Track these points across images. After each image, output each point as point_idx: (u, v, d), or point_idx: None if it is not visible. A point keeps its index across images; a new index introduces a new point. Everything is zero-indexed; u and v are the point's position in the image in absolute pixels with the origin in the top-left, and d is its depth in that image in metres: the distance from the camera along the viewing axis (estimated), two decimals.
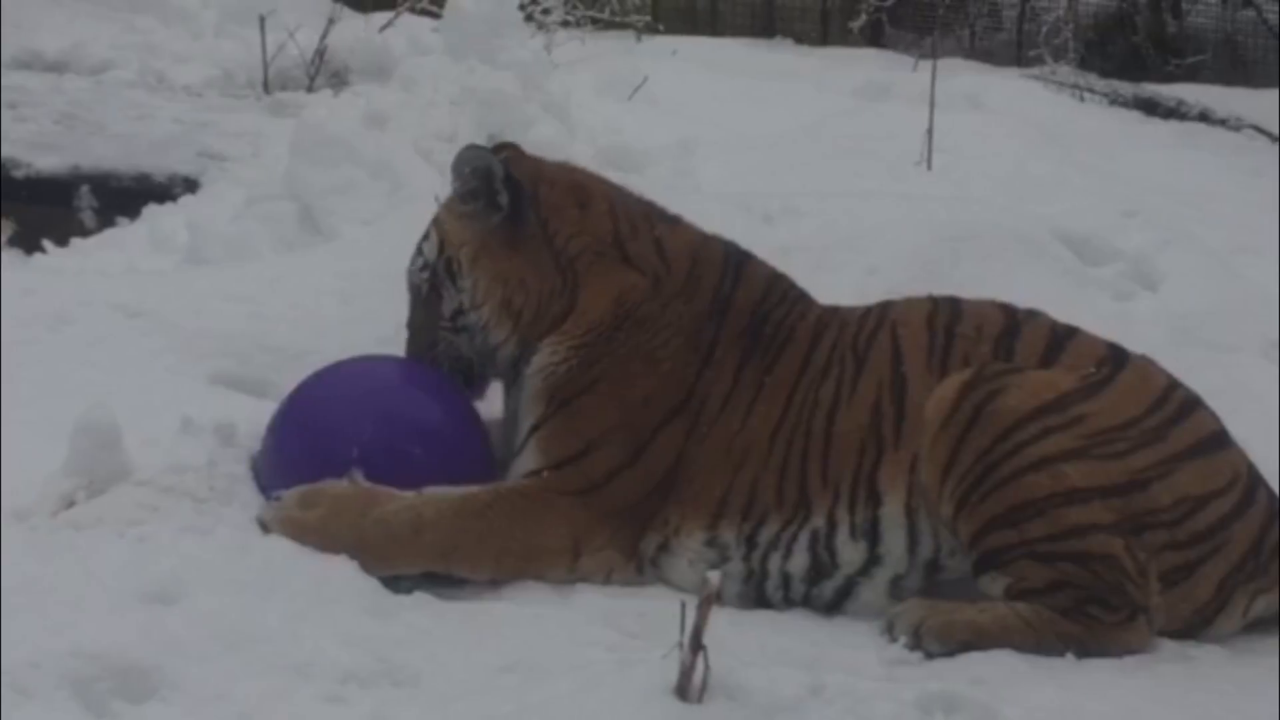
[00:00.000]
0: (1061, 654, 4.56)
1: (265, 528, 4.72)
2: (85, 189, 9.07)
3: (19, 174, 9.11)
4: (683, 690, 3.96)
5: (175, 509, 4.70)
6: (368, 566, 4.62)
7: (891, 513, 4.85)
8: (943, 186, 8.26)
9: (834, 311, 5.21)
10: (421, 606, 4.57)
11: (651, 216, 5.27)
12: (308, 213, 7.67)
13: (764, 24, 16.64)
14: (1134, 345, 5.12)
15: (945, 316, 5.05)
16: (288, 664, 4.10)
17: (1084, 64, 14.54)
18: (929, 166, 8.66)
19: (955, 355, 4.95)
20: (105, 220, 8.89)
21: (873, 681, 4.29)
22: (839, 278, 6.26)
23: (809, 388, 5.02)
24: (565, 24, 13.36)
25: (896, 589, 4.85)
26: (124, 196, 9.02)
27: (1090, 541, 4.63)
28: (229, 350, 5.79)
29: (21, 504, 4.68)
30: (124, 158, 9.32)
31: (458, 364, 5.13)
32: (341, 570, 4.57)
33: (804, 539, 4.91)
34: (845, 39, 16.13)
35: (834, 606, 4.90)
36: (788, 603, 4.93)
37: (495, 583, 4.83)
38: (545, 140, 8.06)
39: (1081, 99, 12.70)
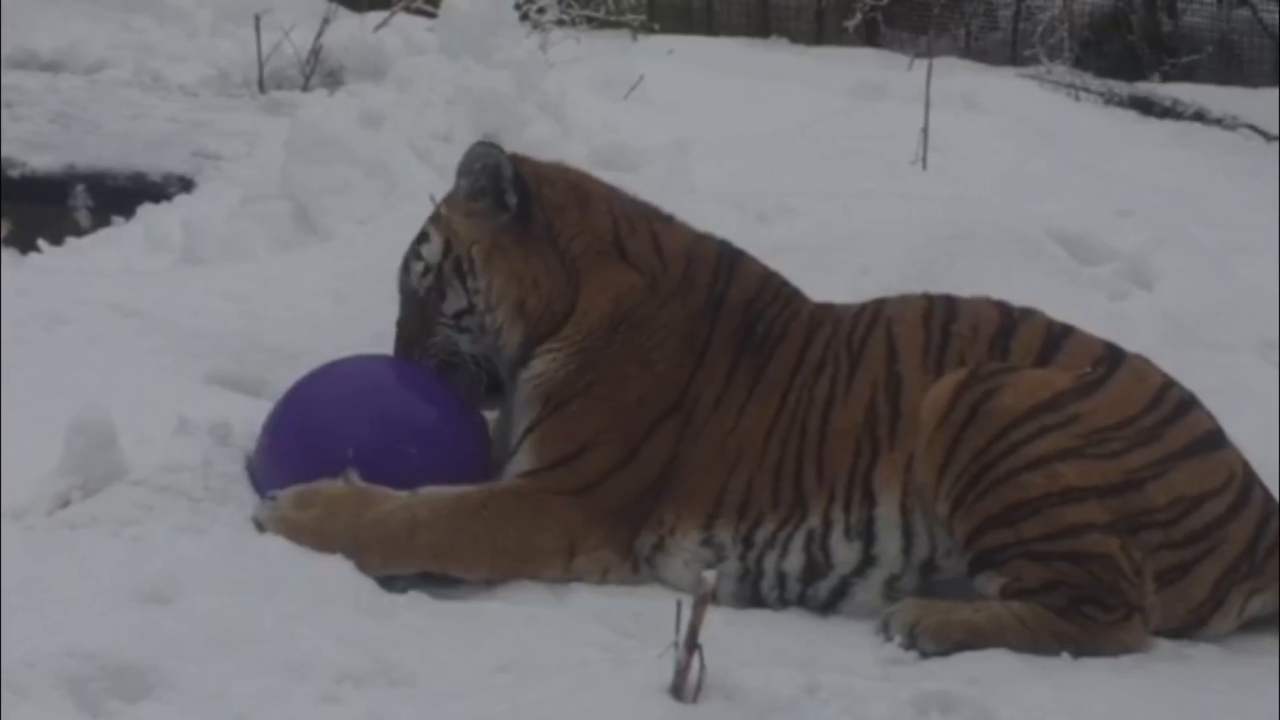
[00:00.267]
0: (1057, 653, 4.57)
1: (261, 527, 4.71)
2: (80, 188, 9.06)
3: (14, 173, 9.08)
4: (678, 690, 3.96)
5: (170, 508, 4.70)
6: (363, 566, 4.62)
7: (887, 513, 4.85)
8: (938, 186, 8.26)
9: (828, 309, 5.21)
10: (417, 606, 4.57)
11: (648, 215, 5.27)
12: (303, 212, 7.66)
13: (759, 23, 16.63)
14: (1129, 344, 5.12)
15: (941, 315, 5.05)
16: (283, 663, 4.09)
17: (1079, 63, 14.53)
18: (924, 166, 8.67)
19: (951, 354, 4.95)
20: (100, 219, 8.87)
21: (868, 681, 4.30)
22: (834, 277, 6.25)
23: (803, 386, 5.02)
24: (560, 23, 13.34)
25: (892, 589, 4.85)
26: (119, 196, 9.00)
27: (1086, 541, 4.63)
28: (224, 350, 5.79)
29: (17, 503, 4.68)
30: (119, 157, 9.31)
31: (456, 363, 5.08)
32: (337, 570, 4.56)
33: (799, 539, 4.91)
34: (840, 38, 16.12)
35: (829, 607, 4.90)
36: (783, 603, 4.93)
37: (490, 582, 4.84)
38: (540, 139, 8.07)
39: (1077, 98, 12.70)
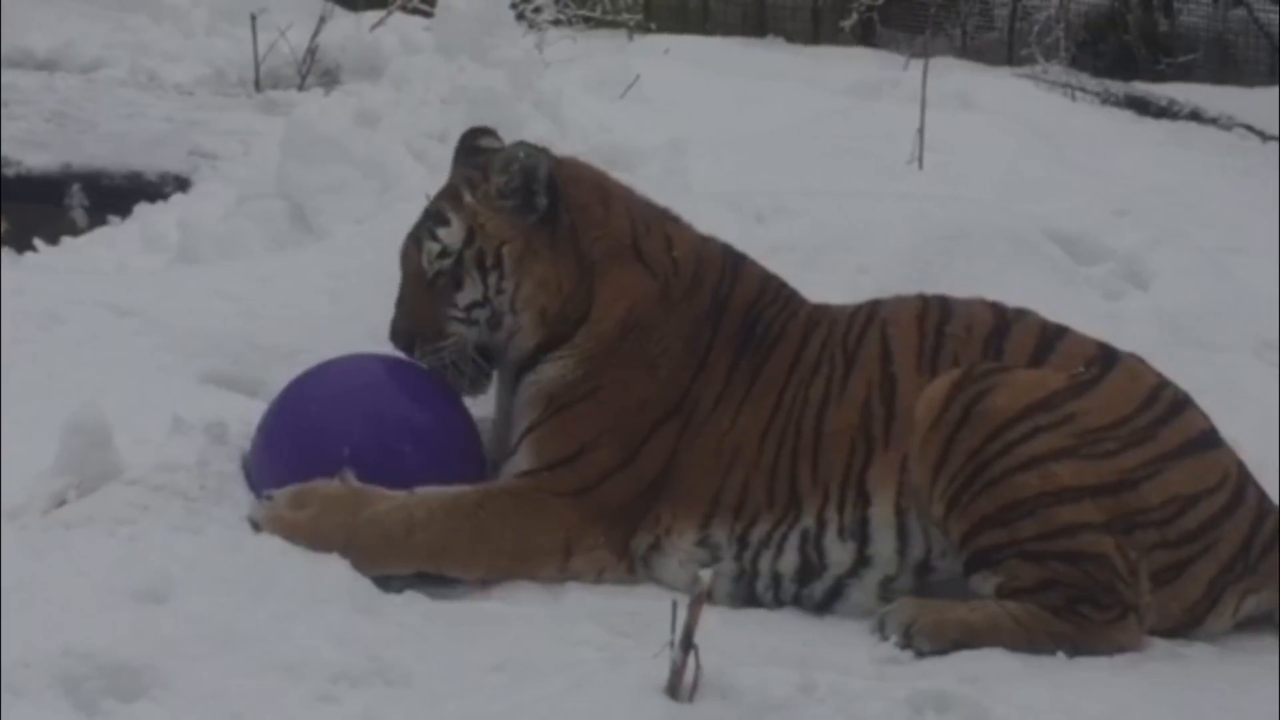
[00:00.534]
0: (1052, 653, 4.57)
1: (256, 527, 4.71)
2: (76, 187, 9.07)
3: (10, 172, 9.09)
4: (674, 689, 3.96)
5: (166, 508, 4.70)
6: (359, 566, 4.61)
7: (881, 513, 4.85)
8: (934, 185, 8.25)
9: (824, 310, 5.21)
10: (412, 606, 4.57)
11: (660, 216, 5.25)
12: (299, 211, 7.66)
13: (755, 23, 16.64)
14: (1125, 344, 5.13)
15: (935, 315, 5.05)
16: (279, 663, 4.09)
17: (1075, 63, 14.53)
18: (920, 166, 8.66)
19: (945, 354, 4.95)
20: (96, 219, 8.88)
21: (864, 680, 4.30)
22: (830, 277, 6.25)
23: (799, 386, 5.02)
24: (557, 22, 13.34)
25: (887, 590, 4.85)
26: (115, 195, 9.01)
27: (1081, 540, 4.64)
28: (220, 349, 5.78)
29: (12, 503, 4.67)
30: (115, 156, 9.32)
31: (460, 356, 5.02)
32: (332, 569, 4.56)
33: (794, 539, 4.91)
34: (837, 38, 16.12)
35: (824, 607, 4.90)
36: (778, 602, 4.94)
37: (486, 582, 4.84)
38: (537, 139, 8.04)
39: (1073, 98, 12.70)
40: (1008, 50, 15.92)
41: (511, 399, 5.13)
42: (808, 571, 4.91)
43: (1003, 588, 4.67)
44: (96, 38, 11.64)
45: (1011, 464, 4.67)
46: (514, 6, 10.48)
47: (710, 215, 5.72)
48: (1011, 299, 5.20)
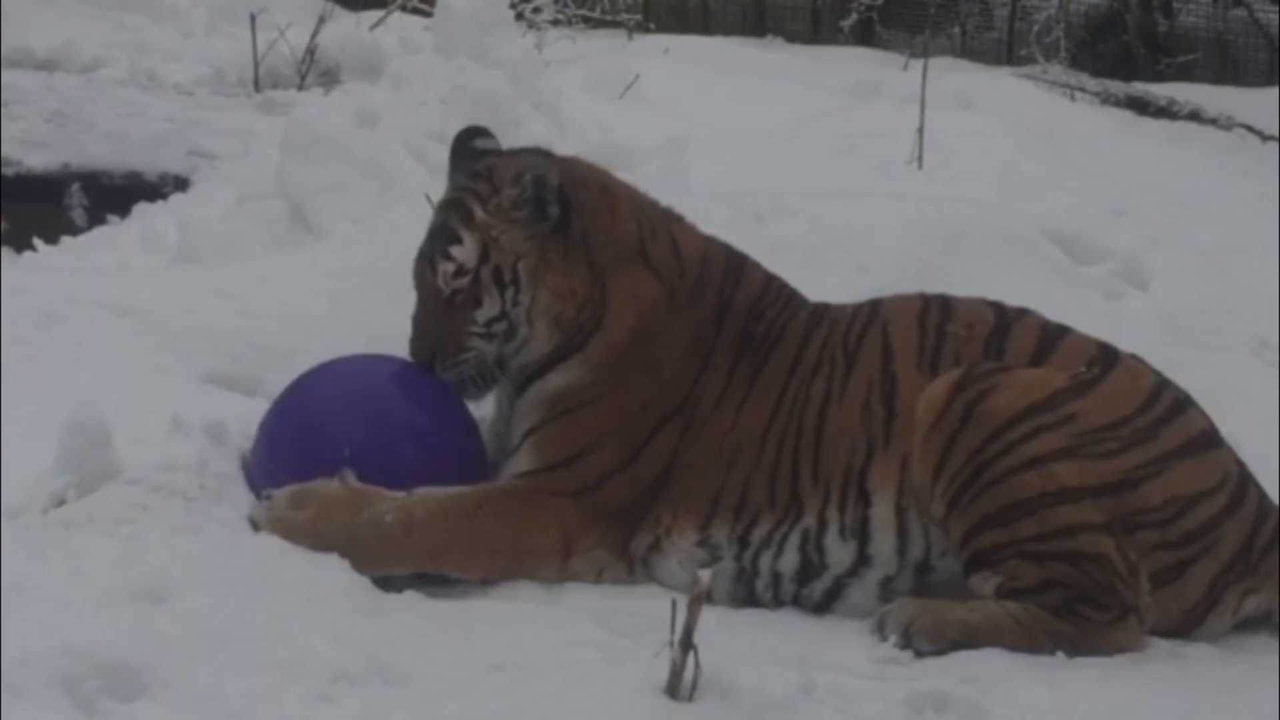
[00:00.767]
0: (1052, 653, 4.57)
1: (256, 527, 4.71)
2: (76, 187, 9.07)
3: (9, 172, 9.09)
4: (673, 689, 3.96)
5: (166, 508, 4.69)
6: (359, 567, 4.61)
7: (881, 513, 4.85)
8: (933, 185, 8.24)
9: (825, 309, 5.21)
10: (412, 605, 4.57)
11: (665, 217, 5.24)
12: (298, 211, 7.65)
13: (755, 23, 16.62)
14: (1124, 344, 5.12)
15: (936, 315, 5.05)
16: (278, 662, 4.09)
17: (1075, 63, 14.51)
18: (920, 165, 8.65)
19: (946, 354, 4.95)
20: (96, 218, 8.88)
21: (863, 680, 4.30)
22: (829, 276, 6.25)
23: (800, 385, 5.02)
24: (556, 22, 13.35)
25: (886, 590, 4.85)
26: (115, 195, 9.01)
27: (1081, 541, 4.63)
28: (219, 349, 5.78)
29: (12, 503, 4.67)
30: (115, 156, 9.32)
31: (481, 370, 5.00)
32: (331, 569, 4.56)
33: (795, 538, 4.91)
34: (836, 38, 16.10)
35: (824, 607, 4.90)
36: (778, 602, 4.94)
37: (486, 582, 4.84)
38: (536, 139, 8.04)
39: (1072, 98, 12.68)
40: (1007, 50, 15.90)
41: (512, 401, 5.12)
42: (808, 571, 4.91)
43: (1003, 588, 4.67)
44: (96, 37, 11.63)
45: (1012, 464, 4.67)
46: (513, 6, 10.47)
47: (710, 215, 5.71)
48: (1011, 299, 5.19)
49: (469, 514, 4.82)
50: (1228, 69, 15.36)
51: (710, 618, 4.05)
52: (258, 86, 11.24)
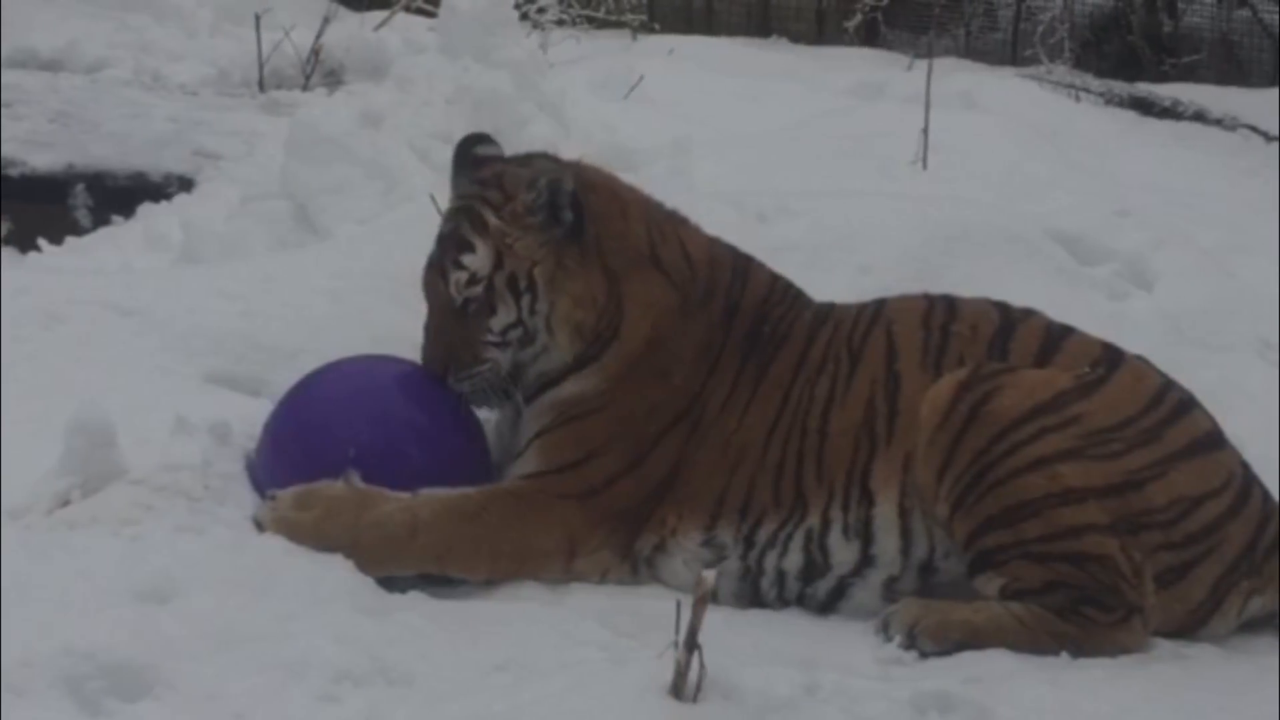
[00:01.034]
0: (1056, 654, 4.57)
1: (260, 527, 4.71)
2: (80, 187, 9.06)
3: (14, 172, 9.08)
4: (677, 689, 3.96)
5: (169, 508, 4.70)
6: (363, 568, 4.61)
7: (885, 513, 4.85)
8: (937, 186, 8.25)
9: (829, 309, 5.21)
10: (415, 605, 4.57)
11: (673, 220, 5.22)
12: (302, 212, 7.65)
13: (759, 23, 16.64)
14: (1128, 345, 5.12)
15: (940, 315, 5.04)
16: (281, 663, 4.09)
17: (1079, 63, 14.53)
18: (924, 166, 8.66)
19: (950, 354, 4.95)
20: (100, 219, 8.87)
21: (867, 680, 4.30)
22: (833, 277, 6.25)
23: (804, 385, 5.01)
24: (560, 23, 13.36)
25: (890, 590, 4.85)
26: (119, 195, 9.00)
27: (1085, 542, 4.63)
28: (223, 349, 5.77)
29: (16, 503, 4.67)
30: (119, 156, 9.31)
31: (496, 381, 4.98)
32: (335, 569, 4.56)
33: (799, 538, 4.91)
34: (840, 38, 16.13)
35: (828, 607, 4.90)
36: (782, 602, 4.93)
37: (489, 582, 4.83)
38: (540, 139, 8.05)
39: (1077, 98, 12.69)
40: (1011, 51, 15.92)
41: (520, 405, 5.09)
42: (812, 571, 4.90)
43: (1007, 589, 4.67)
44: (100, 38, 11.63)
45: (1017, 465, 4.67)
46: (518, 7, 10.47)
47: (714, 215, 5.71)
48: (1014, 299, 5.19)
49: (474, 515, 4.82)
50: (1232, 70, 15.37)
51: (714, 618, 4.04)
52: (262, 87, 11.24)
